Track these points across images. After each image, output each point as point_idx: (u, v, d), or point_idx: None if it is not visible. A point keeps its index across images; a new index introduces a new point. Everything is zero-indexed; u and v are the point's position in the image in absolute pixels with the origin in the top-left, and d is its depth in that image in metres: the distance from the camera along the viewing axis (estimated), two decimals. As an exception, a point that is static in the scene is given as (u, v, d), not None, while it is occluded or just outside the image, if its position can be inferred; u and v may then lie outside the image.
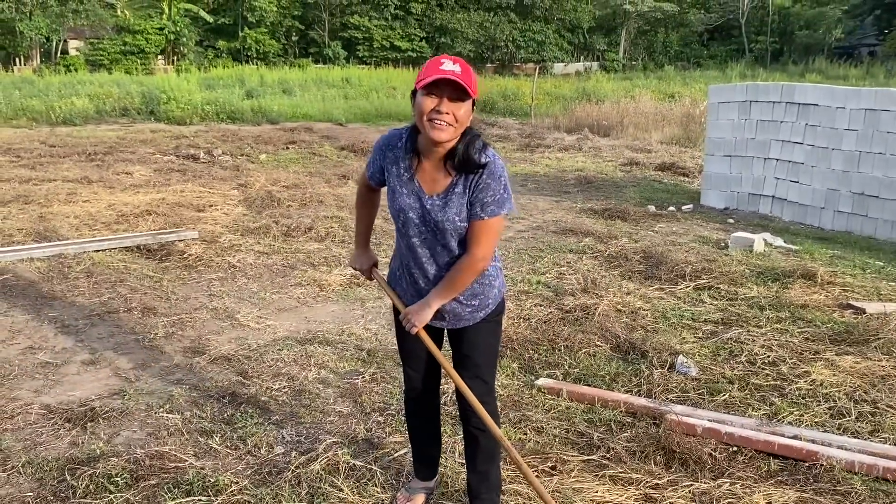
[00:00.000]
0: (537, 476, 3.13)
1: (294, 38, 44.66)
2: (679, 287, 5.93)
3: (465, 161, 2.37)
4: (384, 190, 2.67)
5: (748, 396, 4.01)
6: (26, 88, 22.34)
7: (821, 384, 4.13)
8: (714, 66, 44.83)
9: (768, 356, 4.53)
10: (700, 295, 5.78)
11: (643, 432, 3.54)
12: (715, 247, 7.37)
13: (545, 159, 14.97)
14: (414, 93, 2.35)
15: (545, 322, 5.05)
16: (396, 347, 2.93)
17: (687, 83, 31.39)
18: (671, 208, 9.66)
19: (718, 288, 5.90)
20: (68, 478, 2.96)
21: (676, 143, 16.74)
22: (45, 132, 16.42)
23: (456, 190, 2.42)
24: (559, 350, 4.58)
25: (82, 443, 3.29)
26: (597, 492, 2.98)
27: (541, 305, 5.41)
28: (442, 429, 3.11)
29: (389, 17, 45.45)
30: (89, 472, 2.98)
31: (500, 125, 20.40)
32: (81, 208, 8.13)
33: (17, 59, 35.57)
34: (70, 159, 12.12)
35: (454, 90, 2.26)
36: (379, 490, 3.03)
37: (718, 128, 9.98)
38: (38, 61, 35.82)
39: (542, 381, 4.14)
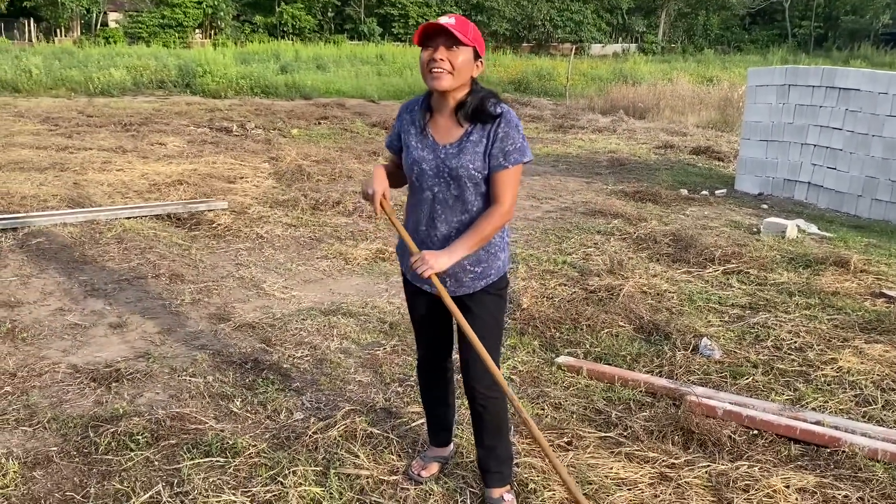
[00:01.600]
0: (553, 451, 3.13)
1: (330, 14, 44.66)
2: (707, 271, 5.86)
3: (478, 111, 2.44)
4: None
5: (772, 381, 3.95)
6: (66, 59, 22.65)
7: (847, 371, 4.06)
8: (755, 50, 43.98)
9: (795, 342, 4.46)
10: (728, 279, 5.70)
11: (662, 412, 3.51)
12: (747, 232, 7.26)
13: (578, 140, 14.83)
14: None
15: (569, 301, 5.02)
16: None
17: (726, 67, 30.85)
18: (704, 192, 9.51)
19: (748, 273, 5.82)
20: (91, 434, 3.03)
21: (713, 127, 16.46)
22: (83, 102, 16.66)
23: (471, 138, 2.46)
24: (581, 329, 4.56)
25: (106, 402, 3.36)
26: (612, 468, 2.97)
27: (565, 285, 5.38)
28: (457, 398, 3.11)
29: (426, -5, 45.22)
30: (112, 430, 3.04)
31: (533, 105, 20.23)
32: (115, 177, 8.25)
33: (58, 31, 36.07)
34: (106, 129, 12.29)
35: (447, 38, 2.34)
36: (395, 458, 3.05)
37: (756, 111, 9.79)
38: (79, 33, 36.31)
39: (562, 359, 4.13)
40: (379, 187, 2.55)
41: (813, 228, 7.45)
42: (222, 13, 39.53)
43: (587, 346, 4.34)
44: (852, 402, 3.75)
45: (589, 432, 3.31)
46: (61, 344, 4.01)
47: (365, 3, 44.11)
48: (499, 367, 2.60)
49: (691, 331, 4.57)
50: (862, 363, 4.14)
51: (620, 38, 50.59)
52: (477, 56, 2.43)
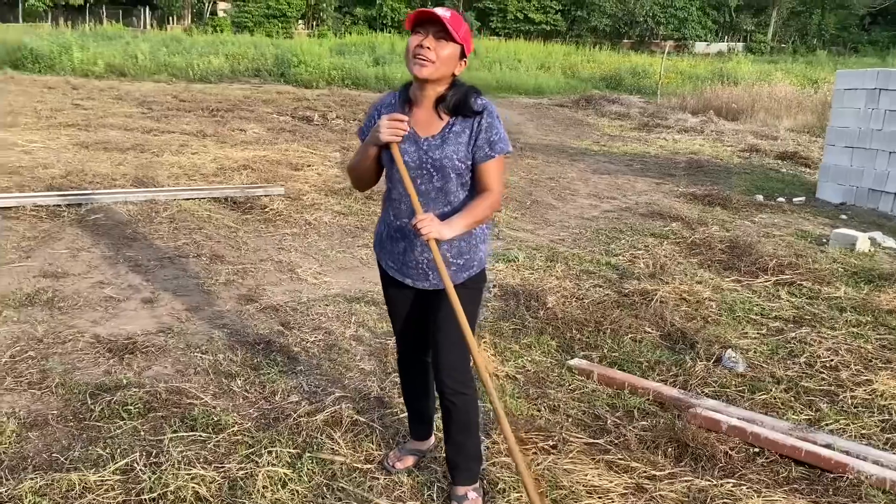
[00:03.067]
0: (535, 453, 3.08)
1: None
2: (758, 280, 5.60)
3: (461, 104, 2.44)
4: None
5: (793, 399, 3.74)
6: (173, 46, 23.75)
7: (881, 395, 3.80)
8: (875, 52, 41.44)
9: (831, 360, 4.21)
10: (778, 290, 5.43)
11: (663, 423, 3.39)
12: (813, 242, 6.89)
13: (661, 140, 14.46)
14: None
15: (598, 303, 4.91)
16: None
17: (837, 70, 29.28)
18: (780, 199, 9.08)
19: (801, 285, 5.52)
20: (89, 401, 3.19)
21: (807, 132, 15.67)
22: (180, 87, 17.44)
23: (453, 129, 2.47)
24: (603, 332, 4.45)
25: (114, 372, 3.52)
26: (586, 475, 2.89)
27: (600, 286, 5.26)
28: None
29: (526, -11, 44.94)
30: (108, 399, 3.19)
31: (621, 102, 19.83)
32: (188, 159, 8.60)
33: (170, 19, 37.89)
34: (193, 114, 12.83)
35: (439, 29, 2.35)
36: (374, 447, 3.07)
37: (842, 116, 9.26)
38: (189, 21, 37.99)
39: (574, 362, 4.04)
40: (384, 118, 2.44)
41: (890, 242, 6.98)
42: (325, 4, 40.56)
43: (605, 350, 4.24)
44: (877, 426, 3.51)
45: (577, 437, 3.23)
46: (92, 315, 4.23)
47: (464, -3, 44.26)
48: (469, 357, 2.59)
49: (720, 341, 4.39)
50: (899, 387, 3.86)
51: (727, 37, 48.74)
52: (463, 55, 2.44)
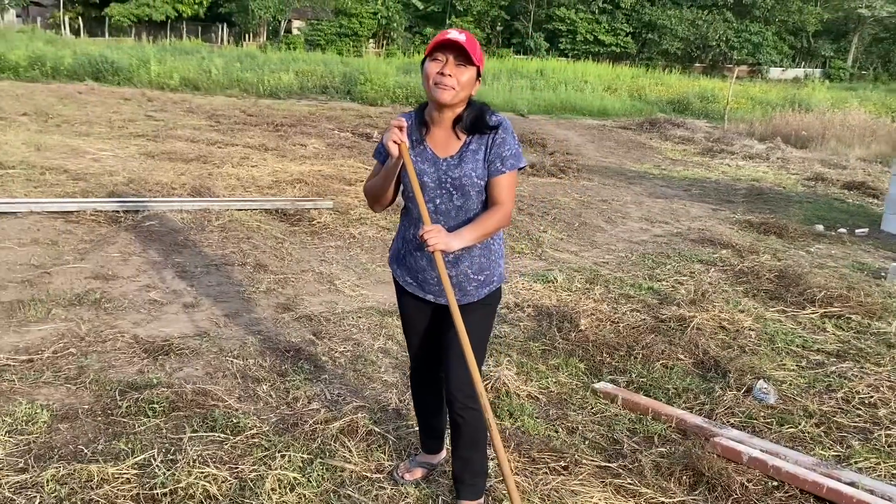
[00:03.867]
0: (545, 473, 3.07)
1: (498, 28, 45.35)
2: (804, 312, 5.44)
3: (477, 122, 2.50)
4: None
5: (823, 435, 3.63)
6: (246, 62, 24.53)
7: (919, 435, 3.65)
8: (961, 81, 39.78)
9: (870, 396, 4.06)
10: (824, 323, 5.26)
11: (682, 451, 3.34)
12: (869, 275, 6.64)
13: (723, 166, 14.17)
14: (424, 64, 2.47)
15: (633, 328, 4.85)
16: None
17: (917, 98, 28.15)
18: (842, 230, 8.79)
19: (849, 318, 5.34)
20: (118, 398, 3.34)
21: (879, 162, 15.12)
22: (249, 102, 18.00)
23: (470, 147, 2.52)
24: (634, 357, 4.40)
25: (147, 371, 3.67)
26: (592, 497, 2.87)
27: (637, 311, 5.20)
28: None
29: (597, 11, 44.82)
30: (136, 397, 3.33)
31: (686, 126, 19.49)
32: (246, 171, 8.88)
33: (247, 36, 39.15)
34: (258, 128, 13.23)
35: (458, 54, 2.41)
36: (385, 457, 3.12)
37: (910, 146, 8.91)
38: (265, 38, 39.18)
39: (599, 385, 4.01)
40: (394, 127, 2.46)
41: (953, 278, 6.68)
42: (395, 24, 41.23)
43: (634, 375, 4.19)
44: (911, 468, 3.37)
45: (591, 460, 3.21)
46: (135, 317, 4.42)
47: (534, 18, 44.36)
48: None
49: (755, 372, 4.28)
50: (940, 429, 3.70)
51: (804, 63, 47.49)
52: (478, 75, 2.50)
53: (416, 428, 3.35)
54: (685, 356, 4.49)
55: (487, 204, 2.59)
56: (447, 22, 43.16)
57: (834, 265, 6.91)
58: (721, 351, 4.59)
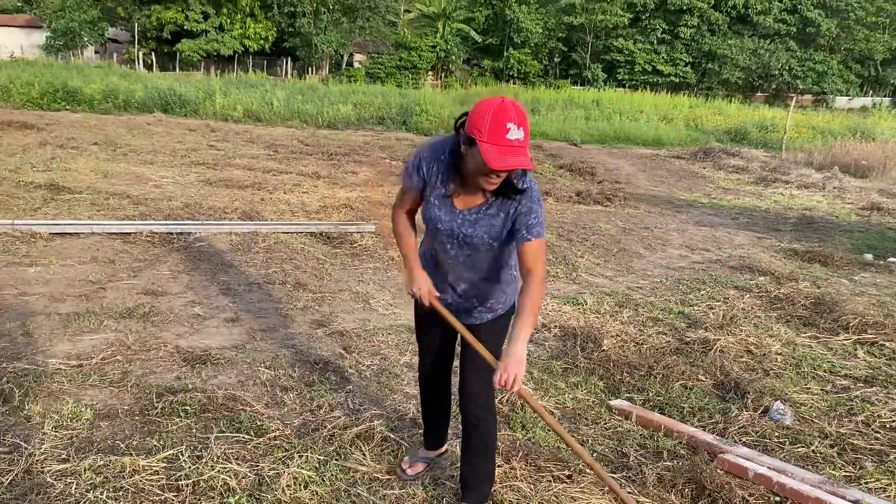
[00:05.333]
0: (548, 481, 3.20)
1: (556, 60, 45.63)
2: (837, 338, 5.42)
3: (504, 185, 2.49)
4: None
5: (836, 455, 3.65)
6: (308, 94, 25.30)
7: (936, 459, 3.63)
8: None
9: (893, 421, 4.05)
10: (856, 349, 5.24)
11: (688, 465, 3.41)
12: (912, 303, 6.54)
13: (776, 195, 14.01)
14: (459, 125, 2.45)
15: (656, 349, 4.93)
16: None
17: None
18: (892, 259, 8.62)
19: (883, 345, 5.30)
20: (155, 400, 3.60)
21: (943, 192, 14.69)
22: (307, 133, 18.60)
23: (489, 211, 2.57)
24: (654, 377, 4.49)
25: (184, 378, 3.94)
26: (590, 503, 2.99)
27: (663, 334, 5.28)
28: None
29: (655, 41, 44.71)
30: (171, 400, 3.60)
31: (742, 156, 19.29)
32: (297, 198, 9.25)
33: (310, 69, 40.38)
34: (314, 157, 13.69)
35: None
36: (395, 460, 3.29)
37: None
38: (327, 72, 40.34)
39: (615, 402, 4.11)
40: (425, 285, 2.70)
41: None
42: (454, 56, 41.94)
43: (651, 394, 4.27)
44: (922, 490, 3.37)
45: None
46: (179, 329, 4.72)
47: (591, 49, 44.53)
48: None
49: (775, 394, 4.32)
50: (958, 453, 3.68)
51: (871, 92, 46.29)
52: None
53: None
54: (706, 377, 4.54)
55: (497, 259, 2.67)
56: (504, 54, 43.67)
57: (875, 293, 6.82)
58: (743, 373, 4.63)
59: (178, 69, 38.39)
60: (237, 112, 20.57)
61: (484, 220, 2.57)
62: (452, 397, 3.28)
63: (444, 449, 3.32)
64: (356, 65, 42.90)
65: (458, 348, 2.99)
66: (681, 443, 3.70)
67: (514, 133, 2.29)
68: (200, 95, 20.89)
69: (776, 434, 3.84)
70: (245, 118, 20.50)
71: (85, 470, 2.95)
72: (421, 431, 3.58)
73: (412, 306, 5.12)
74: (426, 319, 2.96)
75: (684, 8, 43.44)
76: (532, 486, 3.15)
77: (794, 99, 30.73)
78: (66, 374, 3.86)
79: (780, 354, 5.02)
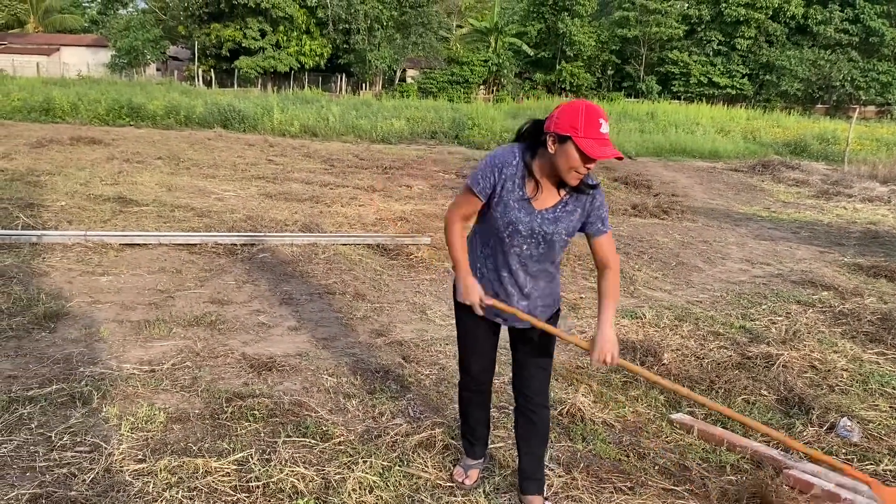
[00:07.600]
0: (609, 492, 3.20)
1: (609, 72, 45.37)
2: (906, 354, 5.28)
3: (580, 183, 2.68)
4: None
5: (907, 473, 3.56)
6: (362, 110, 25.71)
7: None
8: None
9: (966, 440, 3.93)
10: (928, 366, 5.09)
11: (752, 480, 3.37)
12: None
13: (839, 209, 13.66)
14: (539, 125, 2.67)
15: (718, 364, 4.88)
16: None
17: None
18: (963, 274, 8.34)
19: (956, 362, 5.14)
20: (224, 405, 3.72)
21: None
22: (362, 147, 18.88)
23: (566, 208, 2.74)
24: (716, 391, 4.44)
25: (251, 384, 4.06)
26: (652, 516, 2.98)
27: (724, 348, 5.21)
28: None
29: (711, 53, 44.12)
30: (240, 404, 3.71)
31: (802, 169, 18.87)
32: (354, 210, 9.41)
33: (364, 85, 40.98)
34: (368, 171, 13.90)
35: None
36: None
37: None
38: (380, 87, 40.88)
39: (676, 416, 4.08)
40: (475, 297, 2.80)
41: None
42: (506, 70, 42.07)
43: (713, 407, 4.22)
44: None
45: (656, 482, 3.31)
46: (245, 337, 4.86)
47: (646, 62, 44.15)
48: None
49: (842, 410, 4.23)
50: None
51: (939, 102, 44.78)
52: None
53: (491, 446, 3.56)
54: (768, 392, 4.48)
55: (558, 258, 2.87)
56: (557, 67, 43.62)
57: (947, 310, 6.61)
58: (807, 389, 4.54)
59: (236, 85, 39.39)
60: (294, 127, 21.00)
61: (563, 216, 2.73)
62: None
63: (484, 459, 3.38)
64: (409, 80, 43.37)
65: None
66: (744, 457, 3.66)
67: (605, 127, 2.53)
68: (259, 111, 21.39)
69: (843, 451, 3.77)
70: (301, 133, 20.92)
71: (161, 470, 3.07)
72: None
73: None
74: (476, 327, 3.01)
75: (741, 20, 42.76)
76: (594, 497, 3.16)
77: (857, 110, 29.94)
78: (140, 378, 4.02)
79: (845, 370, 4.91)
